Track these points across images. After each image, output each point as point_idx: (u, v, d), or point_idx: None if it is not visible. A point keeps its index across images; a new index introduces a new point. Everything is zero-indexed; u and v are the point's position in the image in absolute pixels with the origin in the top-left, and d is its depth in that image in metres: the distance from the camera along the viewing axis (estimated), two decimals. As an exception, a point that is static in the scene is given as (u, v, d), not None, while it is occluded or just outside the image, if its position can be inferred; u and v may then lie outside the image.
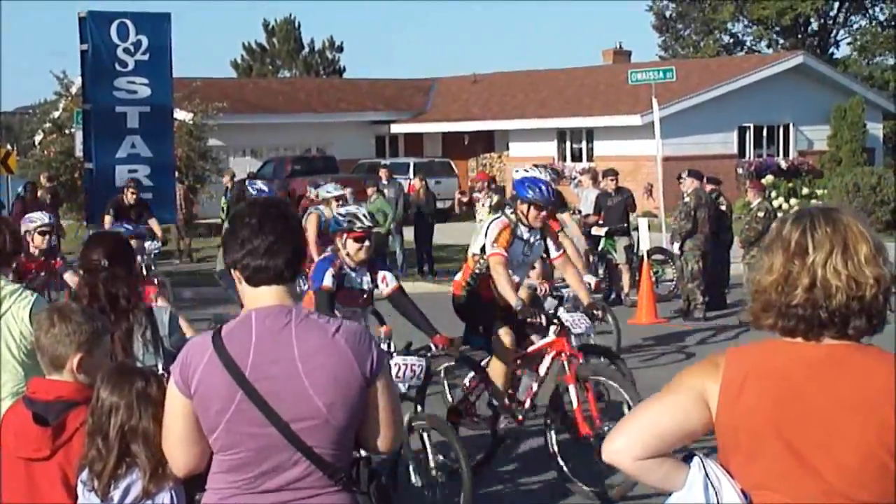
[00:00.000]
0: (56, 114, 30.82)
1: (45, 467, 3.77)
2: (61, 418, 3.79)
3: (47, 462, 3.77)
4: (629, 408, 7.46)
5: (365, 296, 7.93)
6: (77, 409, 3.80)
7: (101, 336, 3.98)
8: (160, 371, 4.57)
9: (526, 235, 8.48)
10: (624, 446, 2.79)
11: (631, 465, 2.79)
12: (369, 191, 20.89)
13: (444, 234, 22.21)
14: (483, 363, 8.71)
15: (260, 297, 3.42)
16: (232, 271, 3.47)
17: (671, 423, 2.78)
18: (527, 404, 8.50)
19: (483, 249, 8.50)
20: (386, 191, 22.91)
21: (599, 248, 17.51)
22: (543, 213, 8.41)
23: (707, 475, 2.77)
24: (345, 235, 7.68)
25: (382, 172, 23.96)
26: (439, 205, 22.73)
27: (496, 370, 8.44)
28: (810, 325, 2.72)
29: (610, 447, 2.81)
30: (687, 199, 16.19)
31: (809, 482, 2.66)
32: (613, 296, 17.61)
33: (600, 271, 17.76)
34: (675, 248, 16.45)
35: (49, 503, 3.78)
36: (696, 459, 2.80)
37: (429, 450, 7.26)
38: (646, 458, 2.77)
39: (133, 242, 13.87)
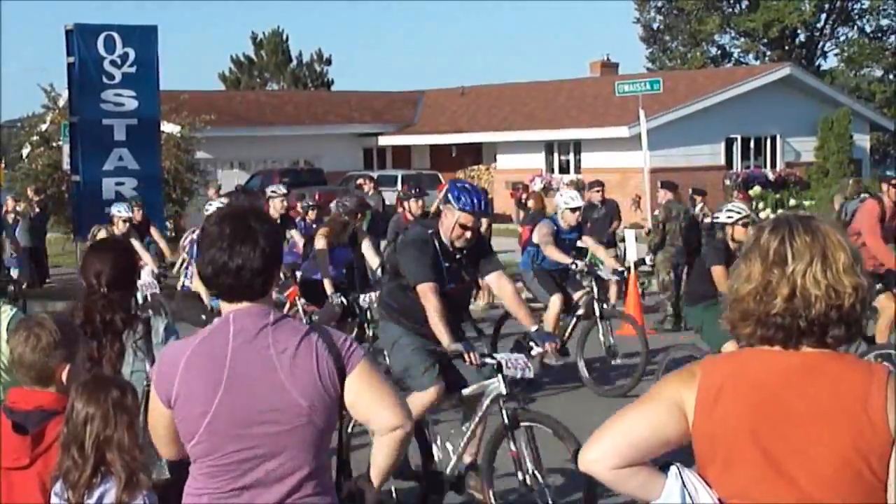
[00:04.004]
0: (43, 127, 30.74)
1: (24, 476, 3.75)
2: (40, 427, 3.78)
3: (26, 471, 3.75)
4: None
5: None
6: (57, 418, 3.78)
7: (79, 343, 4.00)
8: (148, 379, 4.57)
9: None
10: (600, 456, 2.78)
11: (607, 474, 2.79)
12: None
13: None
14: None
15: (236, 306, 3.42)
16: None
17: (647, 433, 2.77)
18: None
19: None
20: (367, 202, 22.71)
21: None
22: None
23: (684, 484, 2.76)
24: None
25: (366, 184, 23.75)
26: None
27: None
28: (789, 334, 2.73)
29: (586, 457, 2.81)
30: (657, 212, 16.24)
31: (785, 490, 2.66)
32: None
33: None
34: (648, 261, 16.56)
35: (26, 512, 3.76)
36: (673, 468, 2.80)
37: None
38: (622, 468, 2.77)
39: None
